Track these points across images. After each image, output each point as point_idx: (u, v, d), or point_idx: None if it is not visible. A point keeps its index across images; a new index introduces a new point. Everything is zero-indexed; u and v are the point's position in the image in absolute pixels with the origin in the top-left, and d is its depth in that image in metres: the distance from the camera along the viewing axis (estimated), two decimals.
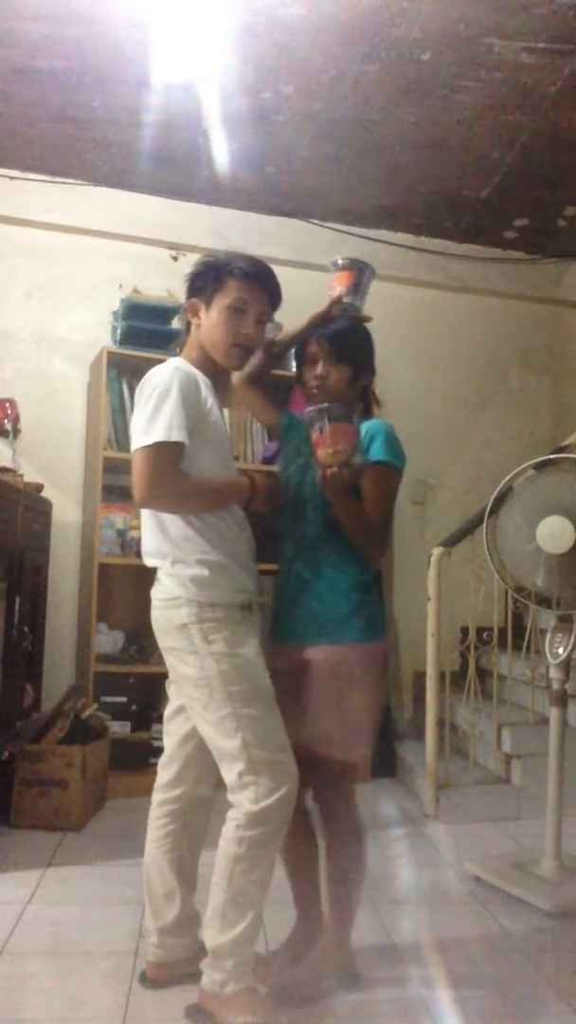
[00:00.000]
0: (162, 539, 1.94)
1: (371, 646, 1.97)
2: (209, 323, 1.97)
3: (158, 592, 1.97)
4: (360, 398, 2.08)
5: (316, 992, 1.98)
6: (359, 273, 2.11)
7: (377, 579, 2.05)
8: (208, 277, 1.97)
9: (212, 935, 1.84)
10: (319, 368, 2.01)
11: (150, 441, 1.82)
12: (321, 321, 2.04)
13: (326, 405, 1.88)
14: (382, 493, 1.94)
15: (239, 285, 1.95)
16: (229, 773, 1.85)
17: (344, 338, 2.02)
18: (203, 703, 1.87)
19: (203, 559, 1.89)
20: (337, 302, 2.07)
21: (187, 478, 1.87)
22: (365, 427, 1.97)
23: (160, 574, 1.96)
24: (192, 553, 1.90)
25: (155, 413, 1.84)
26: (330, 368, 2.00)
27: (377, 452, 1.94)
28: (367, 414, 2.08)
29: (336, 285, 2.10)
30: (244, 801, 1.82)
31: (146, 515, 1.98)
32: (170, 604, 1.92)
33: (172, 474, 1.84)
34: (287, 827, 1.88)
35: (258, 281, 1.97)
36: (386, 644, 2.03)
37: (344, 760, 1.93)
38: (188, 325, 2.05)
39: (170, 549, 1.92)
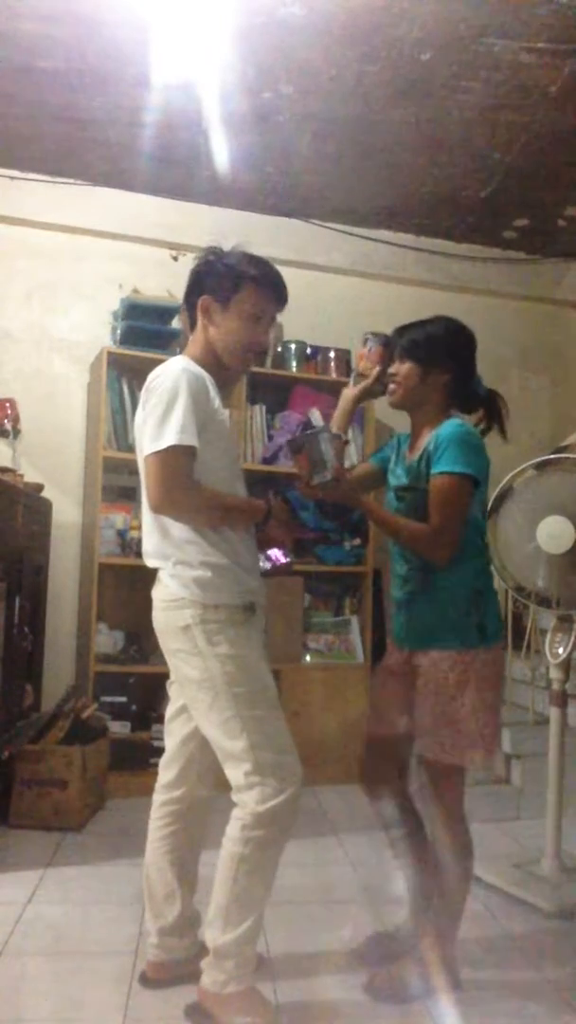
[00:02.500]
0: (164, 541, 1.93)
1: (483, 651, 1.99)
2: (226, 327, 1.96)
3: (160, 593, 1.96)
4: (446, 396, 2.11)
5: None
6: (390, 349, 2.16)
7: (491, 583, 2.12)
8: (224, 278, 1.95)
9: (214, 935, 1.84)
10: (393, 366, 2.09)
11: (162, 446, 1.81)
12: (365, 396, 2.21)
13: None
14: (441, 503, 1.96)
15: (258, 292, 1.95)
16: (235, 774, 1.85)
17: (412, 334, 2.08)
18: (207, 705, 1.87)
19: (206, 561, 1.88)
20: (378, 379, 2.17)
21: (202, 490, 1.87)
22: (434, 433, 2.02)
23: (162, 575, 1.95)
24: (195, 555, 1.89)
25: (165, 416, 1.83)
26: (399, 366, 2.08)
27: (438, 463, 1.98)
28: (450, 412, 2.11)
29: (373, 360, 2.18)
30: (250, 801, 1.82)
31: (147, 516, 1.97)
32: (173, 605, 1.91)
33: (187, 482, 1.84)
34: (292, 828, 1.87)
35: (275, 289, 1.99)
36: (500, 647, 2.08)
37: (453, 760, 1.98)
38: (194, 321, 2.03)
39: (172, 551, 1.92)
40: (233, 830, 1.83)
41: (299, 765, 1.87)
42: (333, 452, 1.94)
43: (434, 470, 1.97)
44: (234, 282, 1.94)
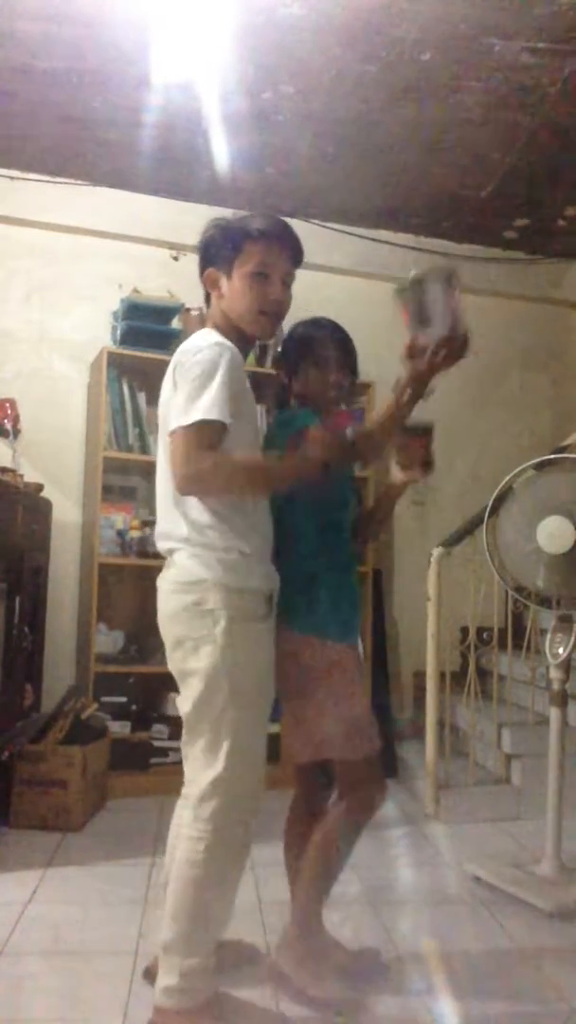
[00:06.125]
0: (183, 523, 1.79)
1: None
2: (233, 293, 1.83)
3: (174, 575, 1.81)
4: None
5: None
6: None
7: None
8: (224, 243, 1.84)
9: (171, 959, 1.74)
10: (336, 375, 2.06)
11: (189, 421, 1.67)
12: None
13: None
14: None
15: (260, 248, 1.82)
16: (200, 775, 1.77)
17: (352, 346, 2.10)
18: (200, 696, 1.76)
19: (231, 546, 1.77)
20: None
21: (232, 459, 1.72)
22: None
23: (177, 557, 1.81)
24: (219, 540, 1.77)
25: (200, 390, 1.68)
26: (345, 375, 2.09)
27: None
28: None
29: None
30: (203, 815, 1.75)
31: (163, 497, 1.84)
32: (191, 588, 1.76)
33: (212, 455, 1.67)
34: (251, 828, 1.81)
35: (279, 240, 1.85)
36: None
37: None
38: (208, 297, 1.93)
39: (193, 534, 1.78)
40: (190, 830, 1.76)
41: (262, 789, 1.79)
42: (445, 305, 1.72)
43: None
44: (234, 244, 1.82)
